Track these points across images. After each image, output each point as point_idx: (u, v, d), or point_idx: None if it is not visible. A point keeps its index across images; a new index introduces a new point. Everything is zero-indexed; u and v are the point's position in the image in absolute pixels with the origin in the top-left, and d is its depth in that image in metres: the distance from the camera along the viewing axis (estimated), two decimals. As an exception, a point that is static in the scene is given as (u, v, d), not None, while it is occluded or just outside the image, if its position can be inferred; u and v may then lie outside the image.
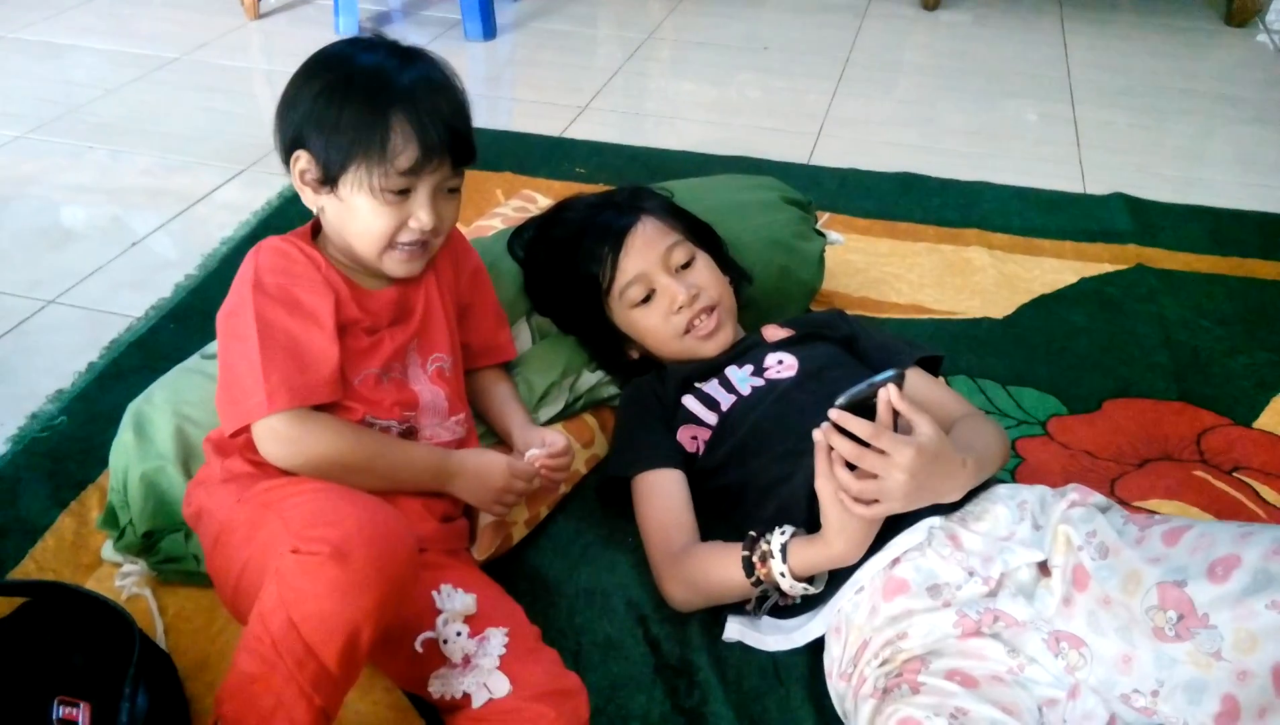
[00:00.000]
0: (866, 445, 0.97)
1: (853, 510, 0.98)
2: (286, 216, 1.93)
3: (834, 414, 0.97)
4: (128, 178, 2.12)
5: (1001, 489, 1.09)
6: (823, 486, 1.00)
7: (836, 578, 1.06)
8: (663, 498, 1.20)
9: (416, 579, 0.92)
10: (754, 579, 1.05)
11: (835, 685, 1.04)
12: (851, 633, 1.03)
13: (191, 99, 2.50)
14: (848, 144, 2.35)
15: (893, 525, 1.04)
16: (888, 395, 0.97)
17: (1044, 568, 1.01)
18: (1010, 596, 0.98)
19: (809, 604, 1.09)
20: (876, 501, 0.98)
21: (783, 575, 1.03)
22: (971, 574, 0.99)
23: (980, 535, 1.02)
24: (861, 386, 0.97)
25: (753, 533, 1.07)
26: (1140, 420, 1.51)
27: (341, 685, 0.87)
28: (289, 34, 2.91)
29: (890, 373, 0.98)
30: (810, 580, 1.04)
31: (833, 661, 1.04)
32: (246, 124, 2.42)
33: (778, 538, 1.04)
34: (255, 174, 2.14)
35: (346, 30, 2.85)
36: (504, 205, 1.85)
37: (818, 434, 0.99)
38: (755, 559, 1.05)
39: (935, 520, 1.03)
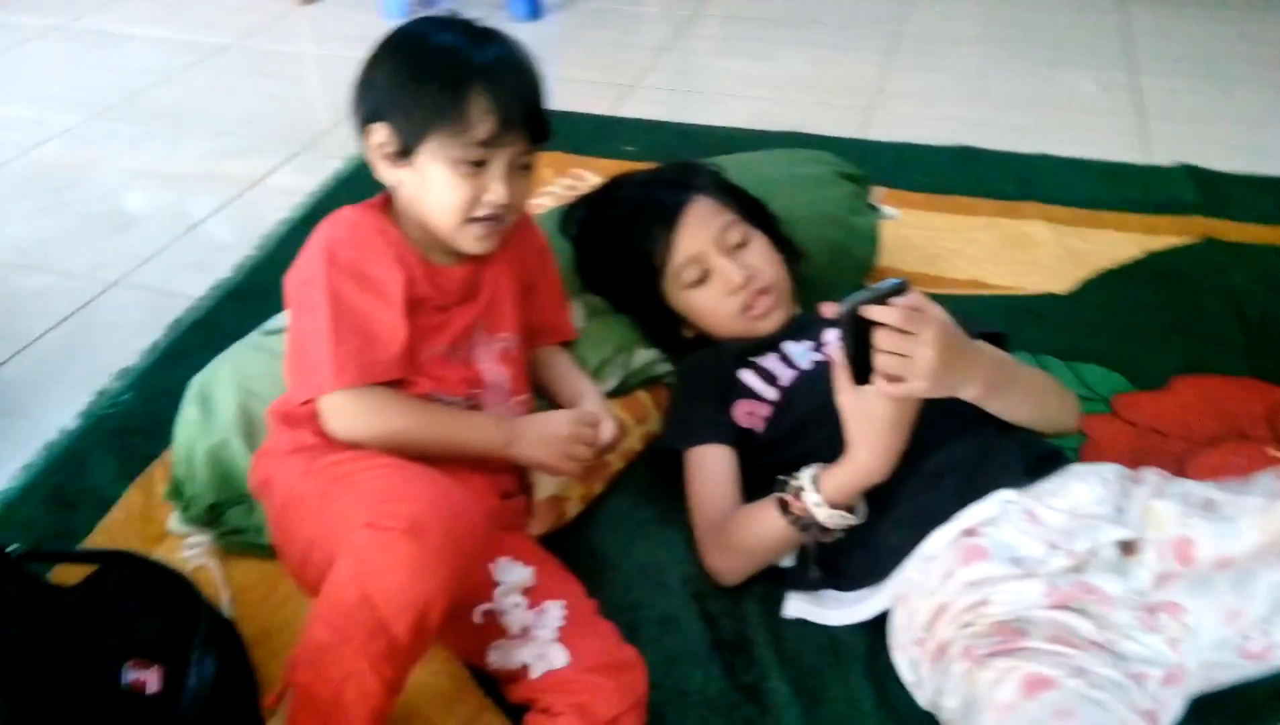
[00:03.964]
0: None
1: (881, 389, 0.97)
2: (340, 198, 1.92)
3: (862, 310, 0.96)
4: (185, 162, 2.16)
5: (1076, 467, 1.06)
6: (842, 400, 1.02)
7: (896, 548, 1.05)
8: (710, 473, 1.20)
9: (487, 555, 0.92)
10: (791, 518, 1.05)
11: (906, 653, 1.02)
12: (922, 599, 1.01)
13: (244, 84, 2.53)
14: (901, 118, 2.31)
15: (961, 497, 1.02)
16: (905, 300, 0.96)
17: (1128, 548, 0.98)
18: (1099, 571, 0.96)
19: (871, 577, 1.08)
20: (902, 380, 0.96)
21: (818, 505, 1.04)
22: (1054, 548, 0.97)
23: (1061, 512, 1.00)
24: (866, 292, 0.97)
25: (781, 476, 1.07)
26: (1210, 397, 1.46)
27: (411, 658, 0.88)
28: (338, 18, 2.93)
29: (896, 281, 0.98)
30: (850, 512, 1.04)
31: (899, 630, 1.03)
32: (299, 107, 2.45)
33: (806, 472, 1.05)
34: (309, 157, 2.16)
35: (394, 14, 2.86)
36: (554, 184, 1.86)
37: (832, 350, 1.00)
38: (789, 497, 1.05)
39: (1008, 493, 1.02)
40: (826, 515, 1.04)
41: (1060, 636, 0.92)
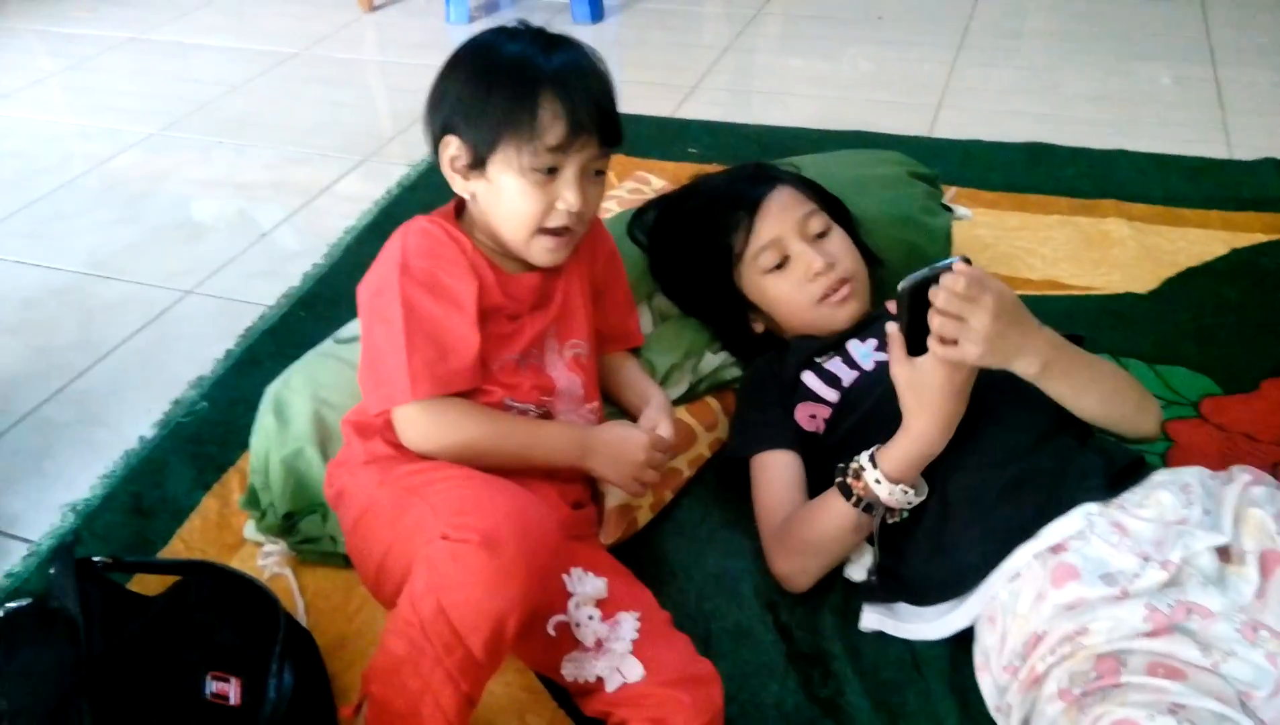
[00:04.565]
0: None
1: (935, 351, 0.97)
2: (406, 205, 1.96)
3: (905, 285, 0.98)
4: (253, 171, 2.19)
5: (1159, 475, 1.03)
6: (896, 371, 1.02)
7: (978, 565, 1.02)
8: (774, 479, 1.18)
9: (561, 567, 0.92)
10: (854, 499, 1.05)
11: (995, 677, 0.99)
12: (1014, 622, 0.98)
13: (311, 93, 2.57)
14: (970, 115, 2.26)
15: (1041, 510, 0.99)
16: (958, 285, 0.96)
17: (1224, 553, 0.94)
18: (1199, 586, 0.92)
19: (950, 593, 1.05)
20: (956, 343, 0.96)
21: (878, 482, 1.03)
22: (1146, 560, 0.94)
23: (1149, 522, 0.96)
24: (926, 269, 0.98)
25: (840, 463, 1.07)
26: (1303, 401, 1.40)
27: (487, 671, 0.88)
28: (402, 26, 2.96)
29: (954, 258, 0.98)
30: (911, 492, 1.04)
31: (987, 652, 1.00)
32: (364, 116, 2.48)
33: (865, 453, 1.06)
34: (374, 165, 2.18)
35: (458, 20, 2.88)
36: (618, 187, 1.84)
37: (890, 327, 1.01)
38: (849, 479, 1.05)
39: (1092, 507, 0.98)
40: (888, 492, 1.03)
41: (1162, 664, 0.88)
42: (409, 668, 0.86)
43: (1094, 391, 1.05)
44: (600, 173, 1.10)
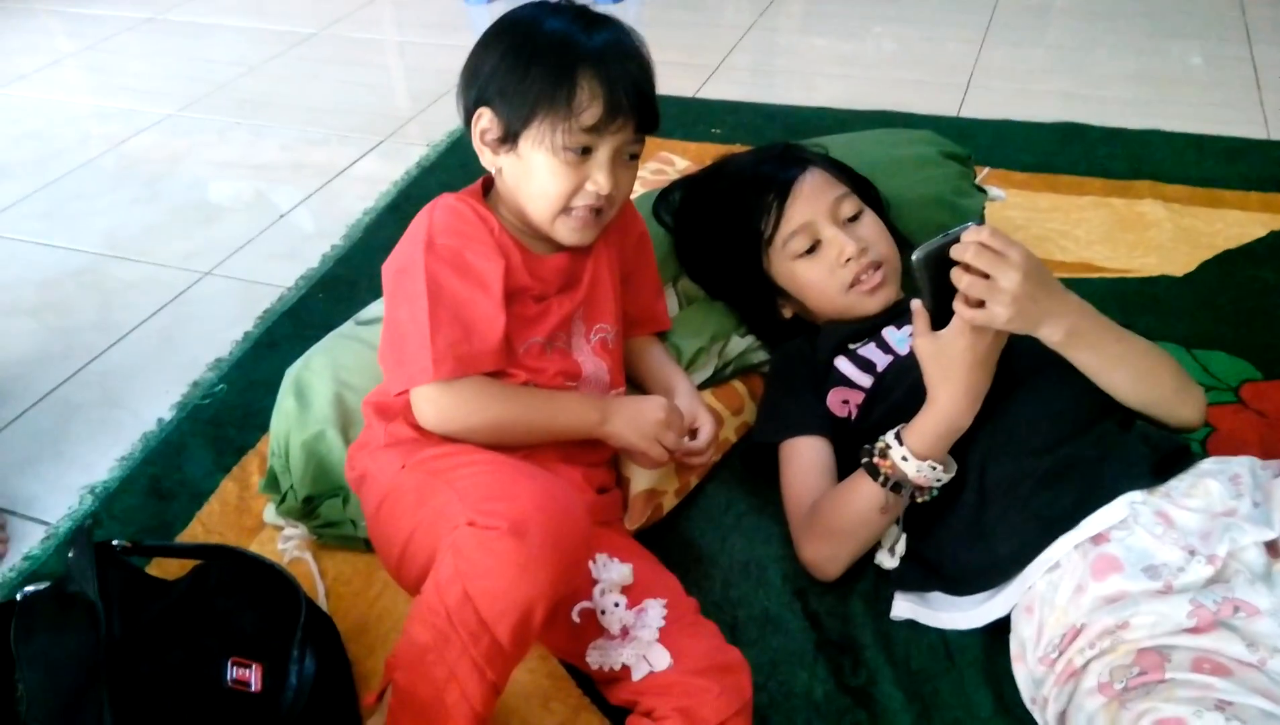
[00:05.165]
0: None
1: (963, 314, 0.95)
2: (424, 186, 1.94)
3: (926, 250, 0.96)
4: (271, 153, 2.17)
5: (1207, 463, 0.99)
6: (919, 344, 1.00)
7: (1016, 554, 0.99)
8: (805, 465, 1.16)
9: (588, 554, 0.90)
10: (881, 478, 1.03)
11: (1031, 669, 0.96)
12: (1052, 614, 0.95)
13: (329, 73, 2.55)
14: (1000, 95, 2.22)
15: (1082, 499, 0.96)
16: (981, 235, 0.94)
17: (1272, 548, 0.91)
18: (1247, 582, 0.89)
19: (985, 583, 1.02)
20: (983, 305, 0.94)
21: (904, 459, 1.02)
22: (1192, 553, 0.91)
23: (1195, 512, 0.93)
24: (943, 236, 0.96)
25: (867, 445, 1.05)
26: (1346, 386, 1.37)
27: (513, 660, 0.86)
28: (420, 5, 2.93)
29: (968, 224, 0.96)
30: (939, 469, 1.02)
31: (1024, 643, 0.97)
32: (382, 96, 2.46)
33: (890, 432, 1.04)
34: (392, 145, 2.16)
35: (476, 0, 2.85)
36: (641, 169, 1.81)
37: (914, 302, 1.00)
38: (876, 459, 1.03)
39: (1136, 495, 0.95)
40: (915, 469, 1.01)
41: (1206, 660, 0.85)
42: (434, 655, 0.84)
43: (1126, 367, 1.01)
44: (634, 157, 1.08)
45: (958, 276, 0.95)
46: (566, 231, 1.07)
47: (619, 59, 1.02)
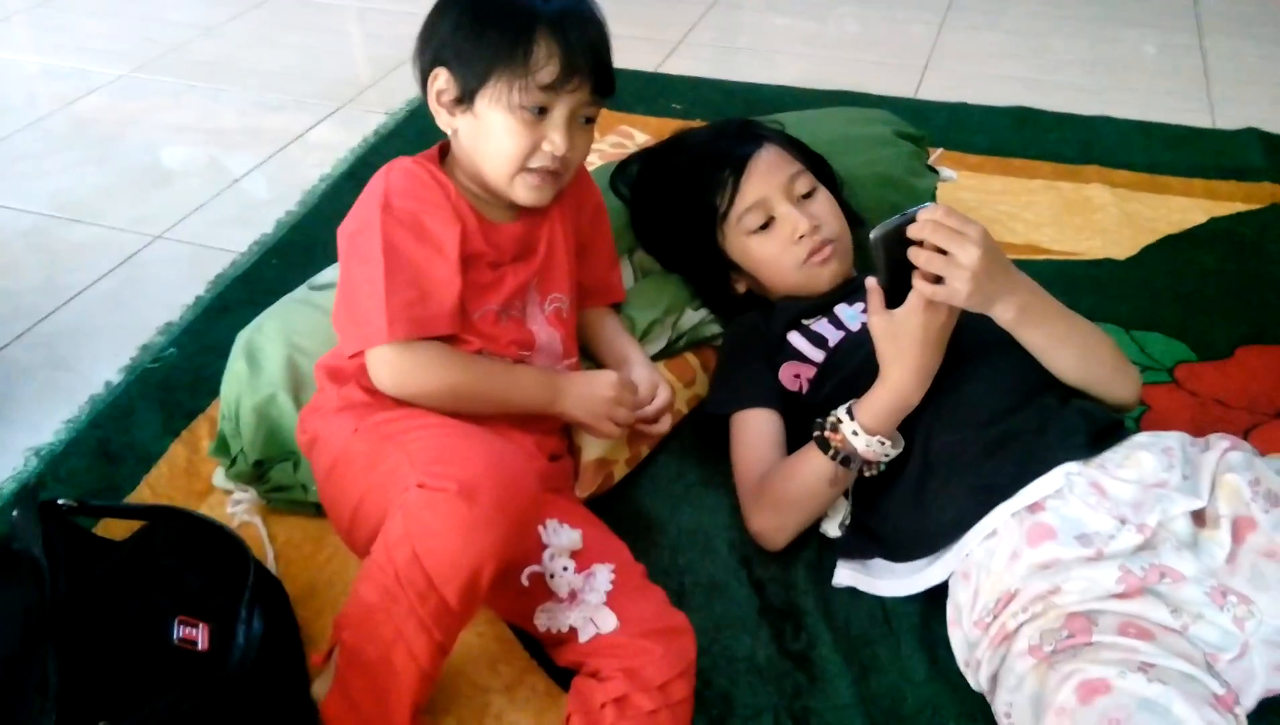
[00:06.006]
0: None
1: (922, 290, 0.98)
2: (382, 154, 1.92)
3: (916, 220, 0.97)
4: (226, 117, 2.14)
5: (1141, 437, 1.03)
6: (873, 321, 1.03)
7: (956, 521, 1.02)
8: (755, 436, 1.18)
9: (538, 518, 0.91)
10: (831, 452, 1.05)
11: (966, 632, 0.99)
12: (987, 579, 0.98)
13: (287, 38, 2.51)
14: (956, 78, 2.25)
15: (1021, 468, 0.99)
16: (937, 214, 0.97)
17: (1199, 518, 0.95)
18: (1174, 549, 0.93)
19: (925, 549, 1.05)
20: (941, 281, 0.96)
21: (855, 434, 1.04)
22: (1124, 522, 0.94)
23: (1129, 483, 0.97)
24: (896, 217, 0.98)
25: (819, 418, 1.07)
26: (1276, 368, 1.42)
27: (460, 620, 0.87)
28: (381, -29, 2.89)
29: (924, 205, 0.99)
30: (888, 444, 1.04)
31: (960, 608, 1.00)
32: (340, 62, 2.43)
33: (842, 406, 1.06)
34: (350, 112, 2.14)
35: (438, -34, 2.82)
36: (600, 141, 1.82)
37: (869, 280, 1.02)
38: (827, 433, 1.06)
39: (1072, 466, 0.98)
40: (865, 443, 1.04)
41: (1132, 624, 0.89)
42: (382, 615, 0.85)
43: (1071, 346, 1.05)
44: (590, 121, 1.08)
45: (915, 254, 0.97)
46: (524, 190, 1.07)
47: (576, 21, 1.03)
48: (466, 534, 0.83)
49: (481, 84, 1.02)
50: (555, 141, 1.04)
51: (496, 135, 1.04)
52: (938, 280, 0.97)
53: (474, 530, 0.83)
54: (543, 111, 1.03)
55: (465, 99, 1.04)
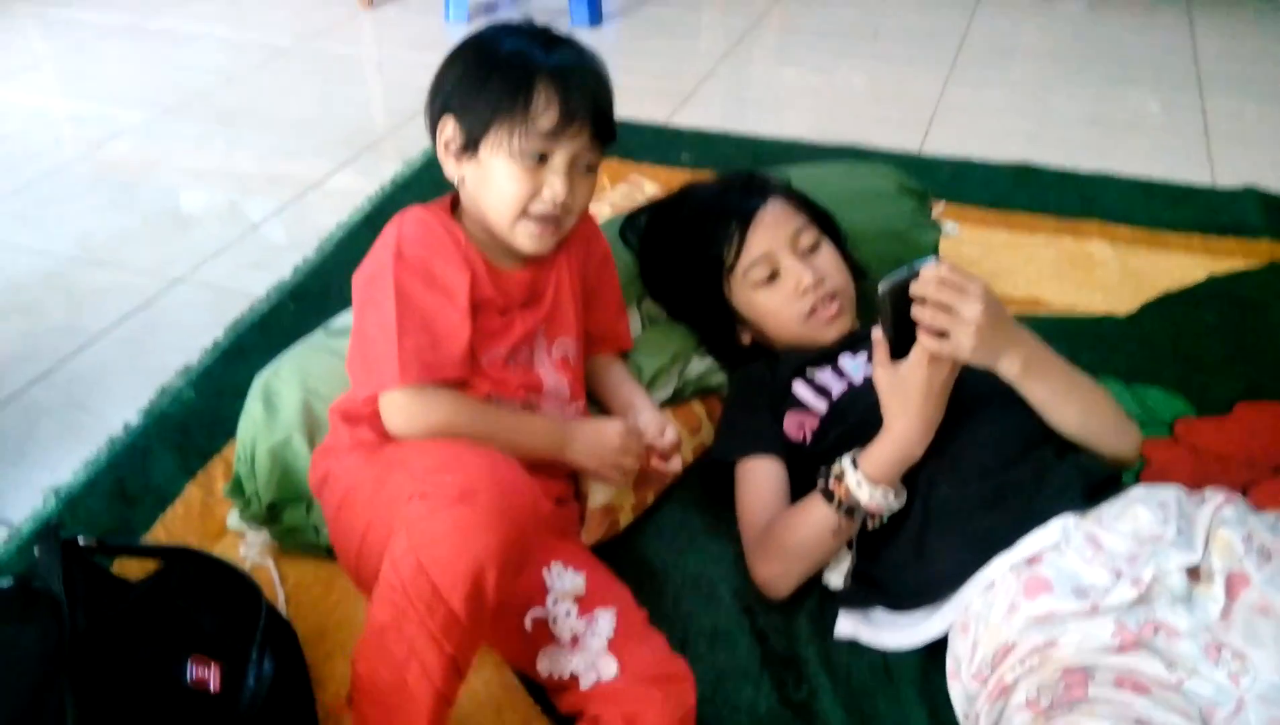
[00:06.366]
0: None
1: (927, 346, 1.00)
2: (399, 201, 1.96)
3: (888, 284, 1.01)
4: (246, 163, 2.19)
5: (1136, 490, 1.04)
6: (878, 374, 1.05)
7: (954, 572, 1.03)
8: (759, 484, 1.20)
9: (539, 528, 0.93)
10: (835, 503, 1.07)
11: (965, 685, 1.01)
12: (986, 631, 0.99)
13: (307, 86, 2.57)
14: (961, 133, 2.29)
15: (1019, 521, 1.01)
16: (940, 271, 1.00)
17: (1193, 572, 0.96)
18: (1168, 605, 0.94)
19: (925, 600, 1.07)
20: (946, 336, 0.99)
21: (859, 484, 1.05)
22: (1119, 576, 0.95)
23: (1124, 536, 0.98)
24: (902, 271, 1.01)
25: (823, 467, 1.10)
26: (1275, 425, 1.43)
27: (470, 635, 0.88)
28: (401, 23, 2.97)
29: (928, 258, 1.02)
30: (891, 494, 1.06)
31: (959, 660, 1.01)
32: (359, 111, 2.49)
33: (846, 456, 1.08)
34: (367, 160, 2.19)
35: (457, 19, 2.90)
36: (611, 191, 1.86)
37: (874, 331, 1.05)
38: (831, 484, 1.07)
39: (1069, 520, 1.00)
40: (868, 495, 1.05)
41: (1127, 678, 0.90)
42: (394, 633, 0.86)
43: (1073, 401, 1.08)
44: (591, 169, 1.12)
45: (920, 312, 1.00)
46: (526, 237, 1.11)
47: (576, 72, 1.07)
48: (466, 535, 0.85)
49: (485, 131, 1.06)
50: (555, 186, 1.07)
51: (499, 181, 1.08)
52: (942, 335, 1.00)
53: (473, 531, 0.85)
54: (543, 158, 1.07)
55: (470, 146, 1.08)
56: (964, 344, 0.99)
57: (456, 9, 2.89)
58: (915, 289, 1.00)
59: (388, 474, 0.98)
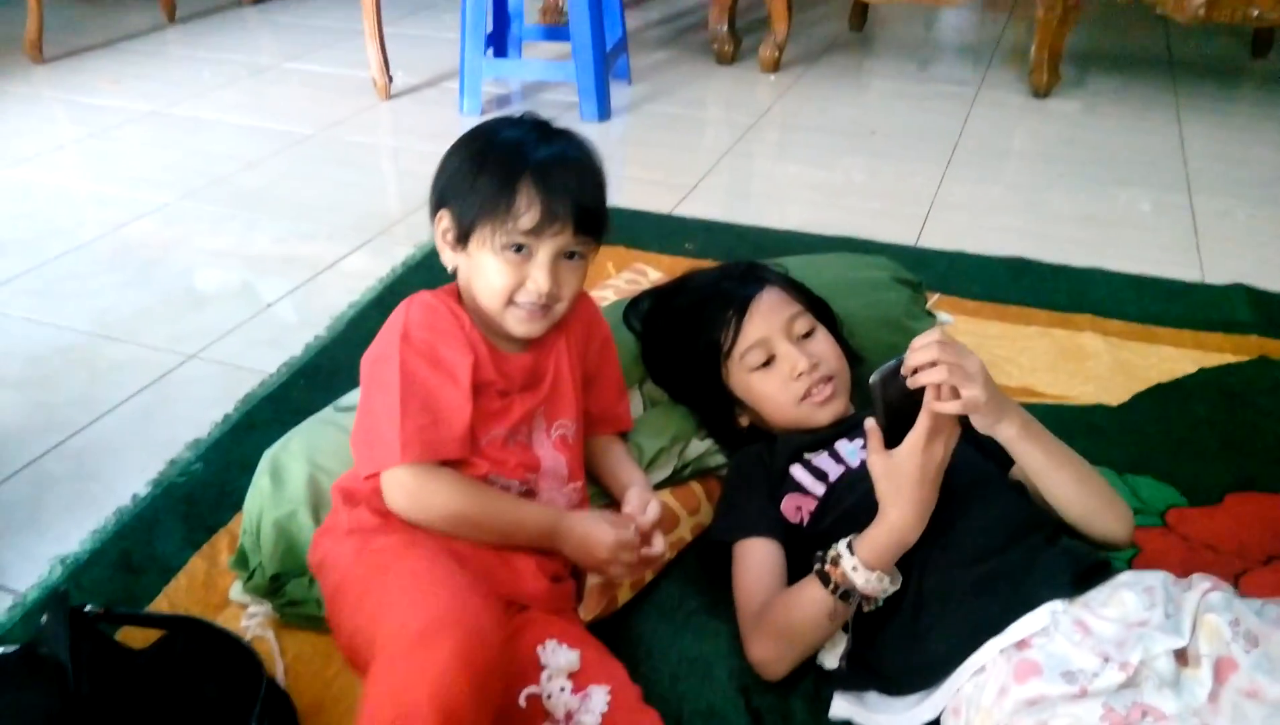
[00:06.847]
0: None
1: (936, 407, 1.04)
2: (409, 283, 2.02)
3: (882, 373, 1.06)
4: (263, 245, 2.26)
5: (1124, 576, 1.06)
6: (873, 462, 1.08)
7: (946, 657, 1.05)
8: (756, 566, 1.21)
9: (506, 664, 0.93)
10: (831, 586, 1.08)
11: (956, 768, 1.01)
12: (977, 715, 1.00)
13: (324, 173, 2.66)
14: (956, 227, 2.35)
15: (1009, 606, 1.02)
16: (934, 335, 1.06)
17: (1181, 656, 0.98)
18: (1155, 688, 0.95)
19: (919, 684, 1.07)
20: (957, 397, 1.04)
21: (854, 569, 1.06)
22: (1107, 660, 0.97)
23: (1111, 621, 1.00)
24: (893, 362, 1.06)
25: (819, 552, 1.11)
26: (1265, 516, 1.44)
27: None
28: (416, 113, 3.08)
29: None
30: (886, 580, 1.08)
31: (951, 743, 1.02)
32: (373, 197, 2.57)
33: (842, 541, 1.09)
34: (380, 243, 2.26)
35: (470, 111, 3.00)
36: (616, 277, 1.91)
37: (867, 421, 1.08)
38: (827, 567, 1.09)
39: (1058, 605, 1.02)
40: (864, 579, 1.06)
41: None
42: None
43: (1068, 468, 1.12)
44: (577, 256, 1.16)
45: (928, 374, 1.04)
46: (515, 323, 1.15)
47: (560, 169, 1.12)
48: (431, 688, 0.84)
49: (473, 226, 1.12)
50: (539, 280, 1.12)
51: (487, 272, 1.13)
52: (954, 395, 1.04)
53: (438, 684, 0.84)
54: (529, 250, 1.12)
55: (462, 239, 1.14)
56: (977, 395, 1.03)
57: (470, 102, 3.00)
58: (913, 358, 1.04)
59: (372, 581, 0.99)
